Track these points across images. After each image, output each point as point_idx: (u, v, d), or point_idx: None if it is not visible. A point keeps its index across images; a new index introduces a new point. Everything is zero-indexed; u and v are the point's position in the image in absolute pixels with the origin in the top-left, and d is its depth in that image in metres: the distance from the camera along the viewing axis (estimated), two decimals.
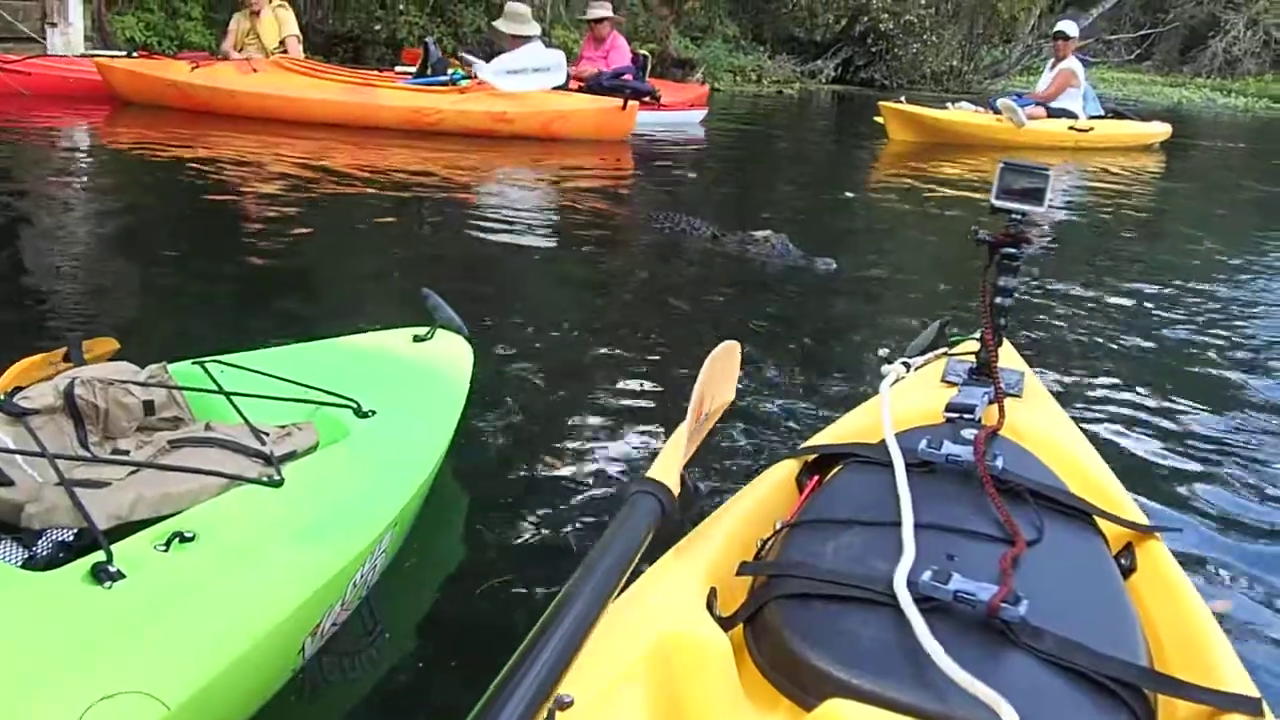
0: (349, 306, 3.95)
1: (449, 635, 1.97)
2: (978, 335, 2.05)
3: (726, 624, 1.27)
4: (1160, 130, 11.92)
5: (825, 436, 1.87)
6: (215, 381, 2.03)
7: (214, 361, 2.12)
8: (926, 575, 1.23)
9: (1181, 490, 2.88)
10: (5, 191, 5.56)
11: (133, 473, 1.68)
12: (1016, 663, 1.15)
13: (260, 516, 1.65)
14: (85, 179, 6.26)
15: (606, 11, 9.40)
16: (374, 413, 2.04)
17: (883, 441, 1.63)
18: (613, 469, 2.70)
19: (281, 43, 8.65)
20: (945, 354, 2.19)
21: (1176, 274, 5.77)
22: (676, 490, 1.25)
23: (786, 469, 1.74)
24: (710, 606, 1.29)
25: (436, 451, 2.09)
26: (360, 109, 8.34)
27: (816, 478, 1.70)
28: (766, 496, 1.65)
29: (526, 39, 8.69)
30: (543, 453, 2.74)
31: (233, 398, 1.95)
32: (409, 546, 2.05)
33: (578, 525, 2.40)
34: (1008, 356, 2.13)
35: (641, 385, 3.34)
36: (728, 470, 2.70)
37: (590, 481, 2.62)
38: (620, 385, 3.34)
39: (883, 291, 4.97)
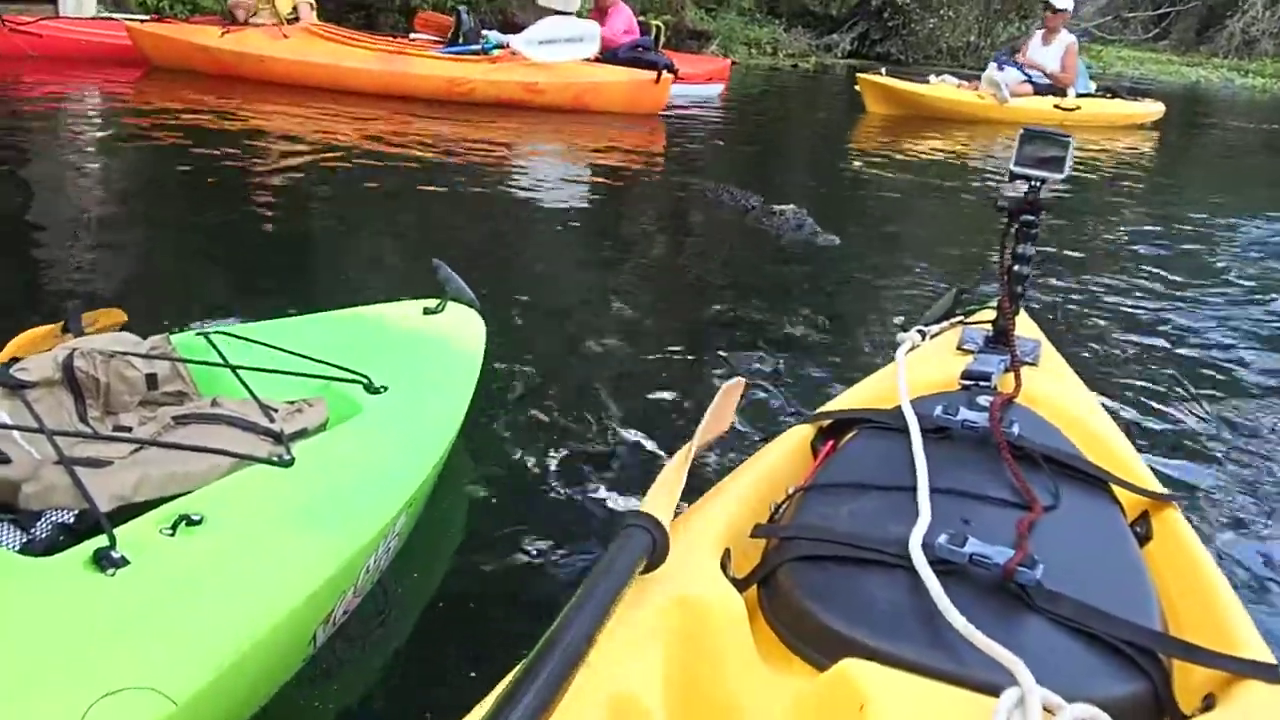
0: (365, 277, 3.88)
1: (464, 619, 1.90)
2: (994, 303, 2.04)
3: (741, 585, 1.27)
4: (1153, 110, 11.46)
5: (840, 402, 1.86)
6: (220, 354, 1.95)
7: (219, 333, 2.04)
8: (942, 539, 1.23)
9: (1198, 459, 2.86)
10: (18, 156, 5.47)
11: (136, 450, 1.60)
12: (1032, 626, 1.15)
13: (270, 499, 1.57)
14: (103, 143, 6.15)
15: None
16: (385, 388, 1.96)
17: (898, 407, 1.63)
18: (628, 444, 2.63)
19: (294, 8, 8.51)
20: (961, 322, 2.18)
21: (1184, 249, 5.77)
22: (669, 522, 1.22)
23: (801, 434, 1.72)
24: (724, 568, 1.28)
25: (450, 429, 2.02)
26: (392, 77, 8.23)
27: (831, 442, 1.68)
28: (781, 460, 1.63)
29: (565, 14, 8.57)
30: (557, 428, 2.66)
31: (239, 372, 1.87)
32: (422, 527, 1.98)
33: (593, 502, 2.33)
34: (1023, 325, 2.12)
35: (658, 358, 3.27)
36: (743, 433, 2.64)
37: (606, 456, 2.56)
38: (636, 359, 3.26)
39: (891, 262, 4.91)
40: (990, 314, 2.07)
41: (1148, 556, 1.41)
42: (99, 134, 6.36)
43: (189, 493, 1.51)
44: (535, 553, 2.11)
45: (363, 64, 8.23)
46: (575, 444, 2.59)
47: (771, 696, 1.12)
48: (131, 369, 1.80)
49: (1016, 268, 1.91)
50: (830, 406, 1.83)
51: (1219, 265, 5.42)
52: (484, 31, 8.64)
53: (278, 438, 1.69)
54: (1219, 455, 2.90)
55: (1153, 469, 1.71)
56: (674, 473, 1.39)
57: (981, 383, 1.77)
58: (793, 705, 1.09)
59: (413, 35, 9.94)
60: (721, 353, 3.34)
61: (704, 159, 7.74)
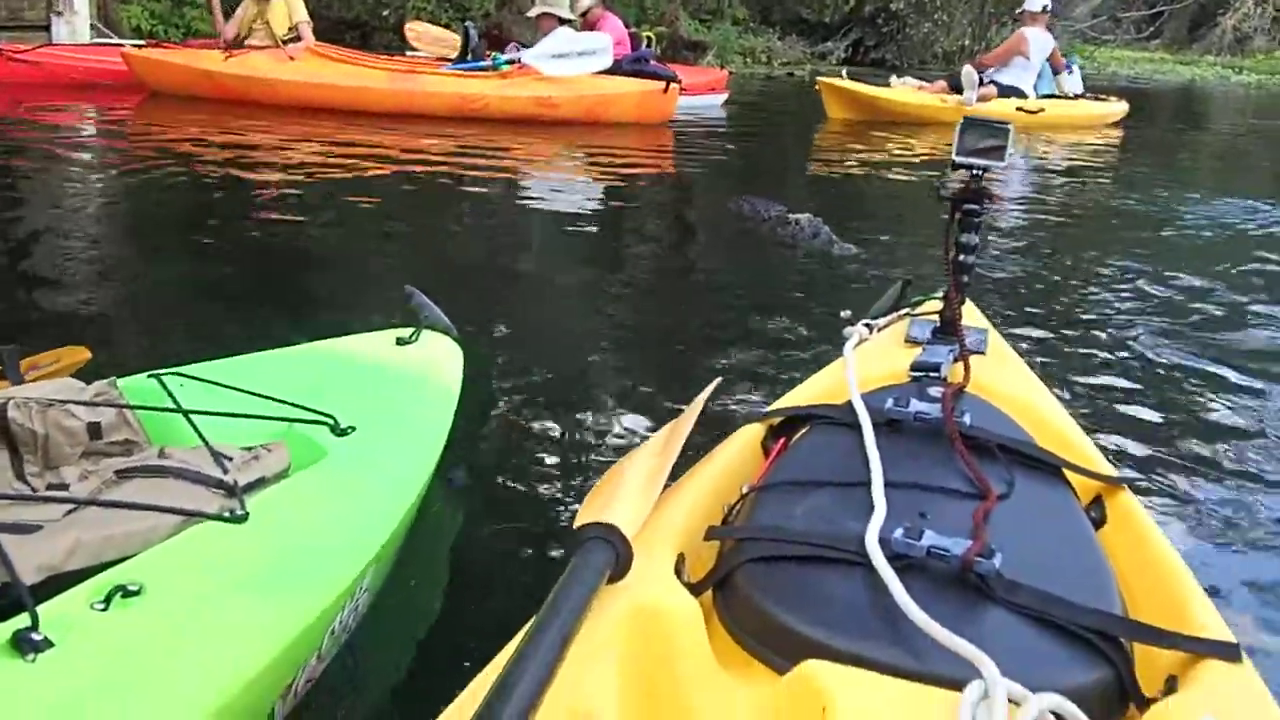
0: (356, 305, 3.73)
1: (443, 680, 1.74)
2: (940, 294, 2.04)
3: (696, 590, 1.24)
4: (1116, 109, 11.44)
5: (790, 399, 1.83)
6: (173, 398, 1.80)
7: (172, 374, 1.89)
8: (898, 533, 1.21)
9: (1147, 440, 2.86)
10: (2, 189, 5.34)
11: (71, 511, 1.46)
12: (993, 617, 1.14)
13: (220, 560, 1.42)
14: (87, 174, 6.02)
15: (590, 0, 9.16)
16: (353, 429, 1.82)
17: (848, 402, 1.62)
18: None
19: (293, 28, 8.37)
20: (908, 314, 2.17)
21: (1133, 237, 5.83)
22: (634, 533, 1.17)
23: (752, 433, 1.70)
24: (679, 573, 1.26)
25: (424, 470, 1.87)
26: (403, 96, 8.19)
27: (783, 440, 1.67)
28: (732, 461, 1.61)
29: (563, 21, 8.54)
30: (543, 462, 2.53)
31: (192, 416, 1.73)
32: (394, 579, 1.82)
33: None
34: (970, 314, 2.11)
35: (657, 382, 3.13)
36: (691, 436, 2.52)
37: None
38: (633, 381, 3.13)
39: (896, 264, 4.79)
40: (937, 305, 2.08)
41: (1103, 540, 1.41)
42: (86, 164, 6.27)
43: (129, 558, 1.36)
44: (520, 602, 1.96)
45: (373, 84, 8.20)
46: (562, 478, 2.45)
47: (731, 702, 1.09)
48: (72, 418, 1.65)
49: (961, 257, 1.92)
50: (780, 404, 1.82)
51: (1166, 251, 5.45)
52: (510, 50, 8.56)
53: (230, 490, 1.54)
54: (1168, 435, 2.91)
55: (1103, 452, 1.70)
56: (644, 480, 1.33)
57: (931, 374, 1.77)
58: (753, 710, 1.06)
59: (409, 52, 9.86)
60: (727, 376, 3.18)
61: (715, 169, 7.68)
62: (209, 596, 1.36)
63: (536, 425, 2.74)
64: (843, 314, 3.59)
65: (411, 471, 1.82)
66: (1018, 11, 10.78)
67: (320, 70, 8.18)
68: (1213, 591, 1.28)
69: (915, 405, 1.57)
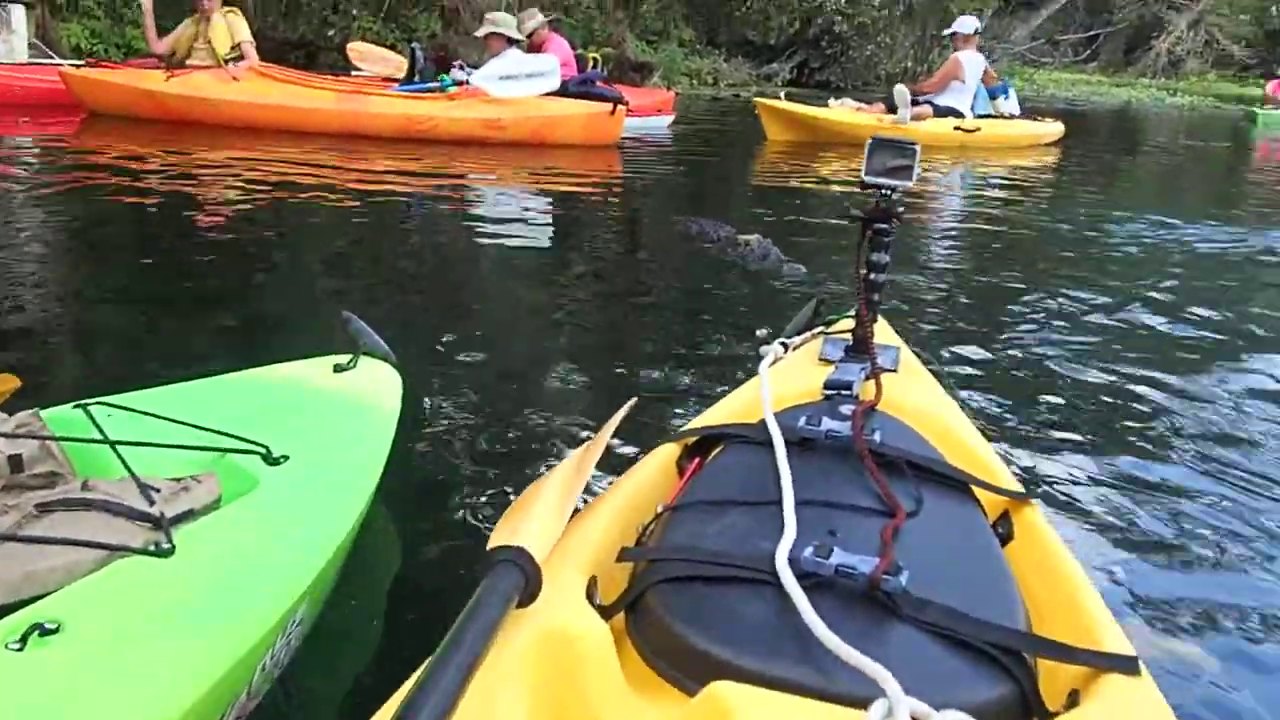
0: (286, 332, 3.68)
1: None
2: (853, 313, 2.06)
3: (607, 613, 1.23)
4: (1052, 129, 11.73)
5: (705, 419, 1.84)
6: (100, 429, 1.76)
7: (100, 404, 1.84)
8: (808, 551, 1.22)
9: (1055, 457, 2.91)
10: None
11: None
12: (899, 634, 1.14)
13: (144, 595, 1.38)
14: (22, 194, 5.89)
15: (536, 22, 9.22)
16: (286, 458, 1.78)
17: (762, 421, 1.62)
18: None
19: (235, 47, 8.29)
20: (822, 332, 2.19)
21: (1053, 257, 5.96)
22: (545, 555, 1.16)
23: (666, 453, 1.69)
24: (591, 596, 1.25)
25: (360, 499, 1.83)
26: (349, 117, 8.16)
27: (698, 460, 1.67)
28: (647, 481, 1.60)
29: (511, 41, 8.57)
30: (483, 489, 2.49)
31: (119, 447, 1.68)
32: (330, 612, 1.78)
33: None
34: (883, 332, 2.13)
35: (593, 407, 3.10)
36: (607, 458, 2.51)
37: None
38: (569, 408, 3.09)
39: (831, 285, 4.83)
40: (850, 323, 2.10)
41: (1010, 556, 1.42)
42: (21, 187, 6.10)
43: (48, 595, 1.32)
44: None
45: (319, 104, 8.16)
46: (503, 503, 2.40)
47: None
48: None
49: (872, 276, 1.94)
50: (696, 423, 1.81)
51: (1088, 269, 5.57)
52: (455, 69, 8.57)
53: (156, 522, 1.50)
54: (1075, 451, 2.97)
55: (1012, 468, 1.73)
56: (556, 502, 1.32)
57: (844, 392, 1.78)
58: None
59: (353, 72, 9.83)
60: (667, 396, 3.19)
61: (663, 190, 7.72)
62: (131, 634, 1.32)
63: (476, 451, 2.71)
64: (758, 333, 3.64)
65: (347, 500, 1.79)
66: (948, 33, 11.01)
67: (265, 90, 8.13)
68: (1114, 604, 1.29)
69: (827, 424, 1.59)
